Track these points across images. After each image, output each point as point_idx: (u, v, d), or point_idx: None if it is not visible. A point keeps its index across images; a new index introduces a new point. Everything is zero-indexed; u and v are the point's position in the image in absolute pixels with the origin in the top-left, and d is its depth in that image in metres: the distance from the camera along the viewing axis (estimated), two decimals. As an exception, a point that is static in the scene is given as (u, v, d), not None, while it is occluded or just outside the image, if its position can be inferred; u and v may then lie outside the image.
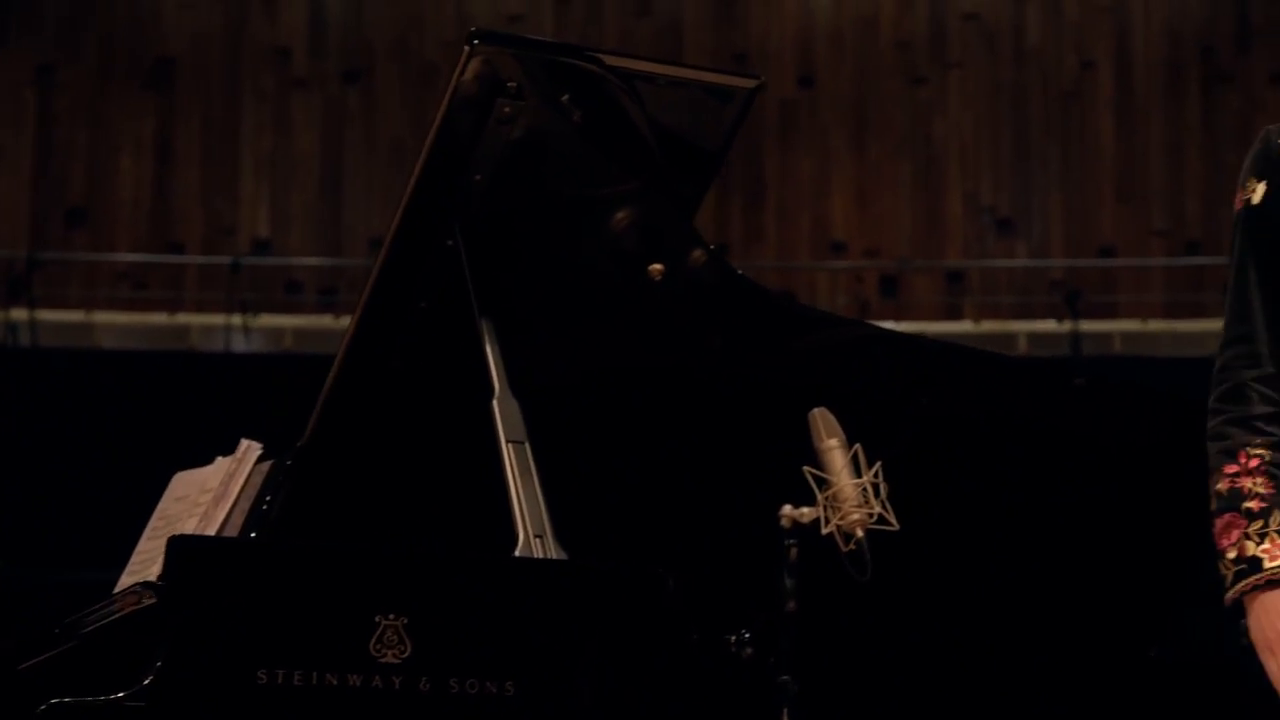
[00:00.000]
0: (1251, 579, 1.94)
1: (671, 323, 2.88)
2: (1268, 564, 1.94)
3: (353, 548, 2.36)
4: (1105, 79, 9.30)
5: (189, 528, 2.58)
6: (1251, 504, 1.96)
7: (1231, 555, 1.97)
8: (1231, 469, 1.99)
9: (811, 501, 2.59)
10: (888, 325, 8.80)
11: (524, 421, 2.55)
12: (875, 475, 2.60)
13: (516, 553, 2.42)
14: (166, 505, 2.75)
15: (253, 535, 2.48)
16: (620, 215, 2.88)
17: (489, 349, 2.61)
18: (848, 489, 2.60)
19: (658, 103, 2.83)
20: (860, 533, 2.56)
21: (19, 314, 8.58)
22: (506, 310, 2.75)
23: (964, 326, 9.05)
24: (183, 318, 9.20)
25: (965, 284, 9.29)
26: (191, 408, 6.96)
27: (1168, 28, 9.34)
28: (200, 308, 9.23)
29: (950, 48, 9.47)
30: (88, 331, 9.11)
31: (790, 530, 2.64)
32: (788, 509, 2.64)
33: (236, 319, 8.42)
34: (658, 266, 2.80)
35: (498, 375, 2.58)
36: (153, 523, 2.74)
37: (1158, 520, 3.02)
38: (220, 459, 2.70)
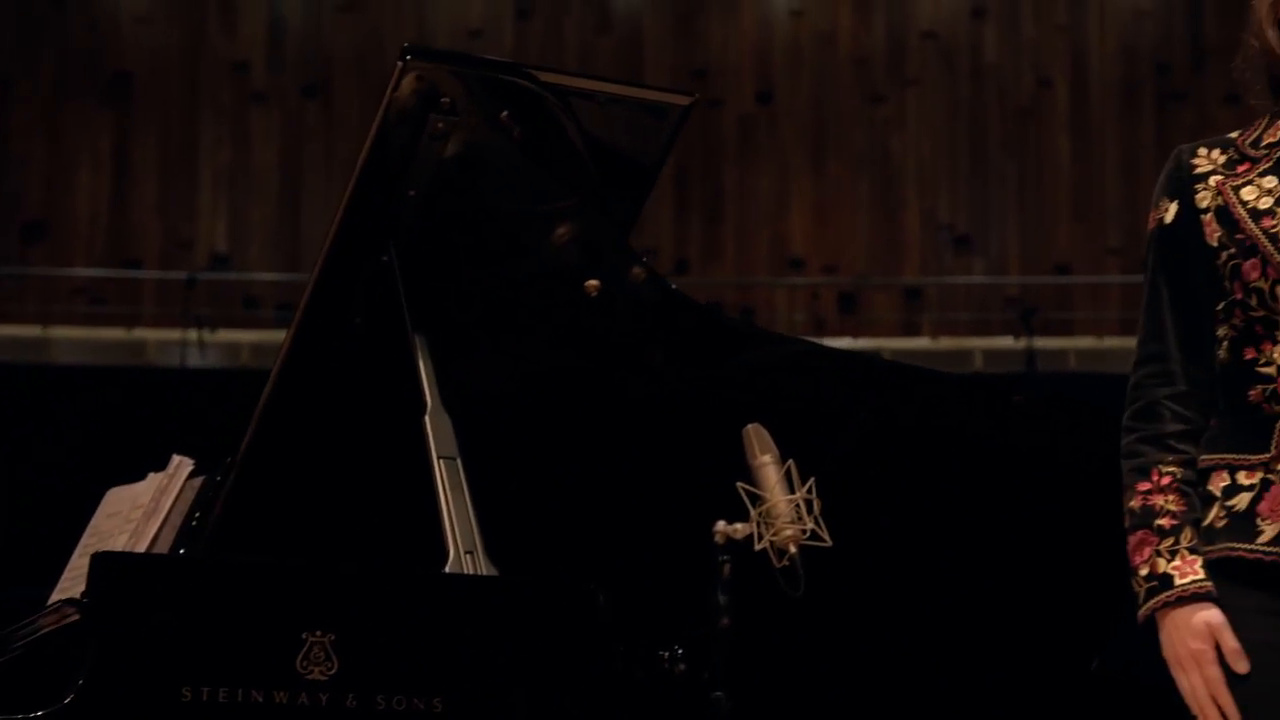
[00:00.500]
0: (1162, 596, 1.95)
1: (609, 338, 2.89)
2: (1178, 581, 1.95)
3: (279, 564, 2.35)
4: (1061, 97, 9.36)
5: (120, 544, 2.57)
6: (1163, 521, 1.98)
7: (1144, 573, 1.98)
8: (1144, 486, 2.01)
9: (746, 517, 2.61)
10: (845, 342, 8.94)
11: (456, 436, 2.55)
12: (809, 491, 2.62)
13: (447, 568, 2.42)
14: (99, 521, 2.74)
15: (181, 551, 2.47)
16: (559, 231, 2.90)
17: (422, 364, 2.62)
18: (781, 505, 2.61)
19: (595, 119, 2.84)
20: (793, 549, 2.58)
21: (-27, 329, 8.53)
22: (443, 325, 2.76)
23: (921, 343, 9.08)
24: (140, 333, 9.15)
25: (923, 301, 9.33)
26: (146, 423, 6.91)
27: (1123, 47, 9.40)
28: (157, 323, 9.18)
29: (908, 65, 9.52)
30: (44, 347, 9.06)
31: (724, 546, 2.65)
32: (722, 525, 2.65)
33: (192, 334, 8.39)
34: (594, 282, 2.81)
35: (430, 390, 2.59)
36: (85, 539, 2.73)
37: (1097, 534, 3.04)
38: (153, 475, 2.69)
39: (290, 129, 9.55)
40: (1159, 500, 1.99)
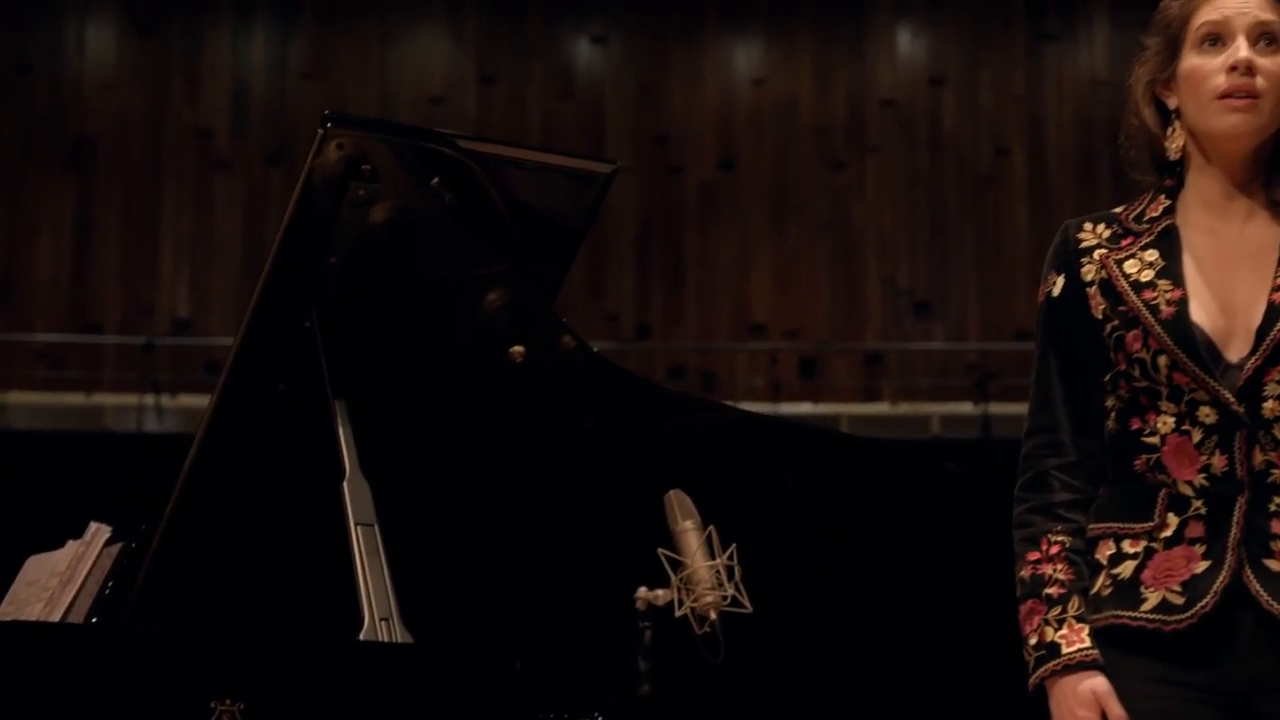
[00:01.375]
0: (1050, 664, 1.97)
1: (533, 404, 2.89)
2: (1065, 649, 1.96)
3: (188, 631, 2.33)
4: (1019, 166, 9.44)
5: (35, 612, 2.55)
6: (1052, 590, 2.00)
7: (1033, 641, 2.00)
8: (1034, 556, 2.03)
9: (669, 584, 2.60)
10: (806, 407, 8.95)
11: (376, 502, 2.54)
12: (730, 558, 2.62)
13: (361, 635, 2.41)
14: (17, 589, 2.73)
15: (94, 620, 2.45)
16: (488, 297, 2.90)
17: (341, 430, 2.61)
18: (702, 571, 2.60)
19: (522, 185, 2.86)
20: (714, 615, 2.57)
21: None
22: (369, 389, 2.76)
23: (881, 408, 9.10)
24: (99, 398, 9.12)
25: (883, 366, 9.36)
26: (101, 488, 6.88)
27: (1079, 117, 9.50)
28: (117, 388, 9.15)
29: (868, 133, 9.60)
30: (1, 412, 9.02)
31: (645, 612, 2.64)
32: (643, 591, 2.64)
33: (149, 399, 8.36)
34: (518, 349, 2.82)
35: (349, 456, 2.59)
36: (3, 607, 2.71)
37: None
38: (71, 542, 2.68)
39: (253, 196, 9.57)
40: (1048, 569, 2.01)
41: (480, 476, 2.89)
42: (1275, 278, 2.00)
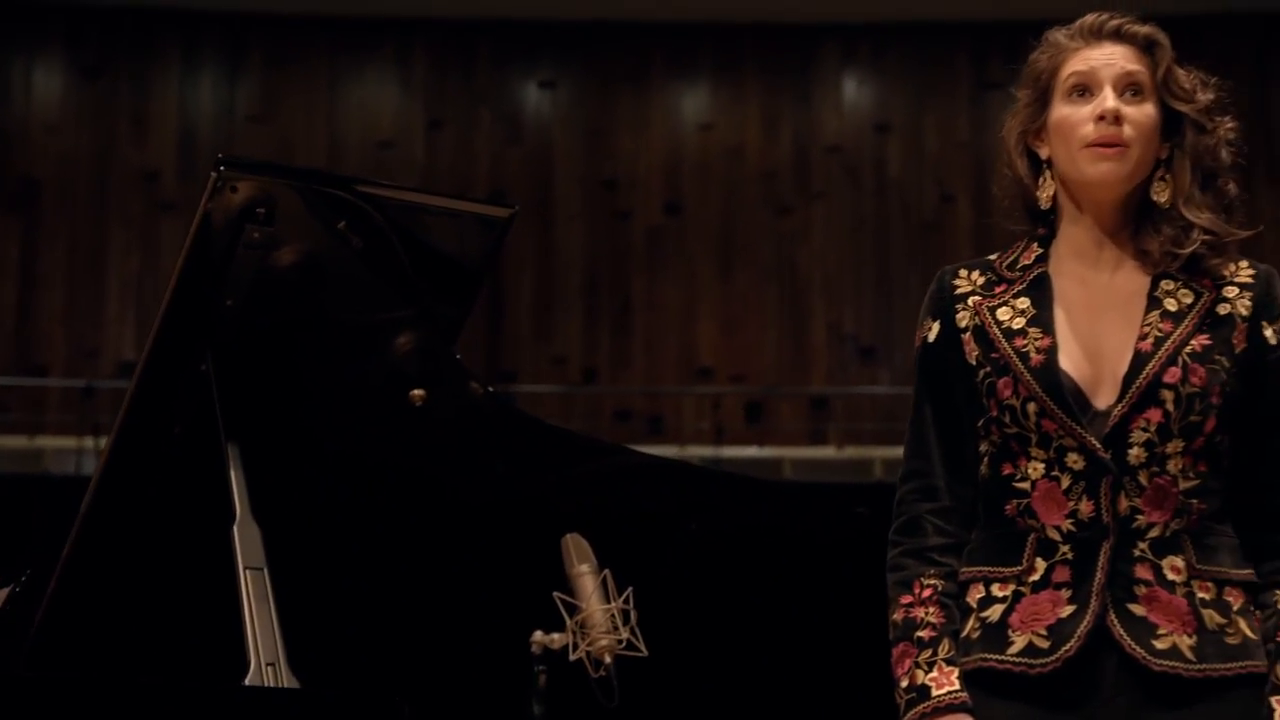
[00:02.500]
0: (919, 707, 1.98)
1: (439, 448, 2.89)
2: (935, 692, 1.97)
3: (68, 678, 2.31)
4: (964, 211, 9.51)
5: (-79, 657, 2.52)
6: (923, 633, 2.01)
7: (904, 684, 2.00)
8: (906, 599, 2.04)
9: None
10: (752, 450, 8.96)
11: (267, 546, 2.53)
12: (626, 601, 2.62)
13: (247, 681, 2.39)
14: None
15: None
16: (392, 341, 2.89)
17: (233, 473, 2.59)
18: (597, 615, 2.61)
19: (425, 228, 2.86)
20: (609, 658, 2.57)
21: None
22: (271, 433, 2.75)
23: (827, 452, 9.13)
24: (41, 440, 9.06)
25: (829, 411, 9.39)
26: (40, 531, 6.84)
27: (1020, 162, 9.55)
28: (60, 430, 9.10)
29: (814, 179, 9.67)
30: (-58, 454, 8.97)
31: (540, 656, 2.64)
32: (538, 635, 2.64)
33: (89, 441, 8.32)
34: (419, 392, 2.82)
35: (240, 500, 2.56)
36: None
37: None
38: (-39, 586, 2.65)
39: (200, 237, 9.54)
40: (920, 612, 2.02)
41: (382, 519, 2.88)
42: (1142, 326, 2.02)
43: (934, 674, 1.98)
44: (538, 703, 2.56)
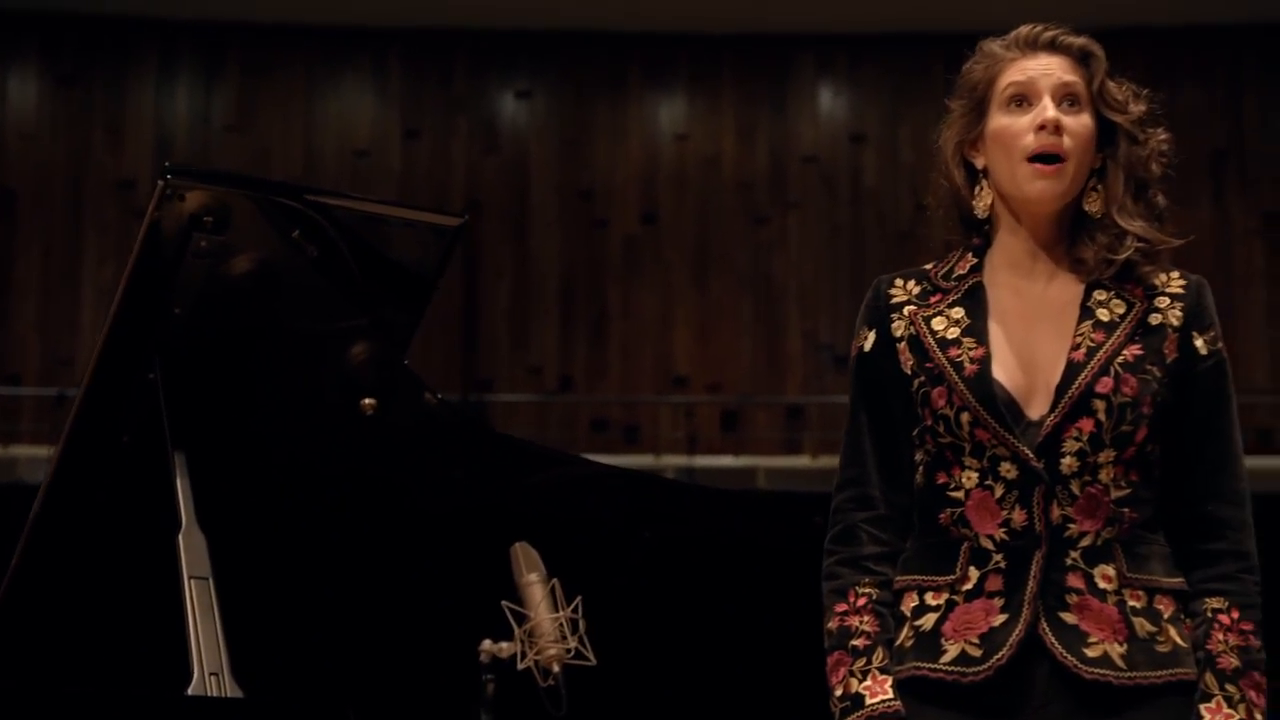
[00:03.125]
0: (853, 716, 1.98)
1: (393, 457, 2.88)
2: (869, 701, 1.98)
3: (9, 687, 2.31)
4: (940, 220, 9.52)
5: None
6: (857, 642, 2.01)
7: (838, 693, 2.01)
8: (841, 608, 2.04)
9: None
10: (728, 459, 8.96)
11: (211, 556, 2.52)
12: (575, 610, 2.61)
13: (189, 690, 2.39)
14: None
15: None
16: (345, 350, 2.89)
17: (179, 482, 2.59)
18: (545, 624, 2.60)
19: (377, 237, 2.86)
20: (557, 667, 2.56)
21: None
22: (223, 441, 2.74)
23: (802, 461, 9.14)
24: (15, 449, 9.04)
25: (804, 419, 9.40)
26: (12, 540, 6.80)
27: (994, 172, 9.58)
28: (35, 439, 9.08)
29: (790, 188, 9.69)
30: (-85, 463, 8.94)
31: (489, 665, 2.63)
32: (487, 644, 2.63)
33: (61, 451, 8.27)
34: (369, 401, 2.81)
35: (185, 509, 2.56)
36: None
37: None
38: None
39: (175, 246, 9.54)
40: (854, 621, 2.02)
41: (333, 527, 2.87)
42: (1075, 336, 2.02)
43: (868, 682, 1.98)
44: (486, 712, 2.55)
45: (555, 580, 2.63)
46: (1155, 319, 2.03)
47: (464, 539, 2.88)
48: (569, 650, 2.60)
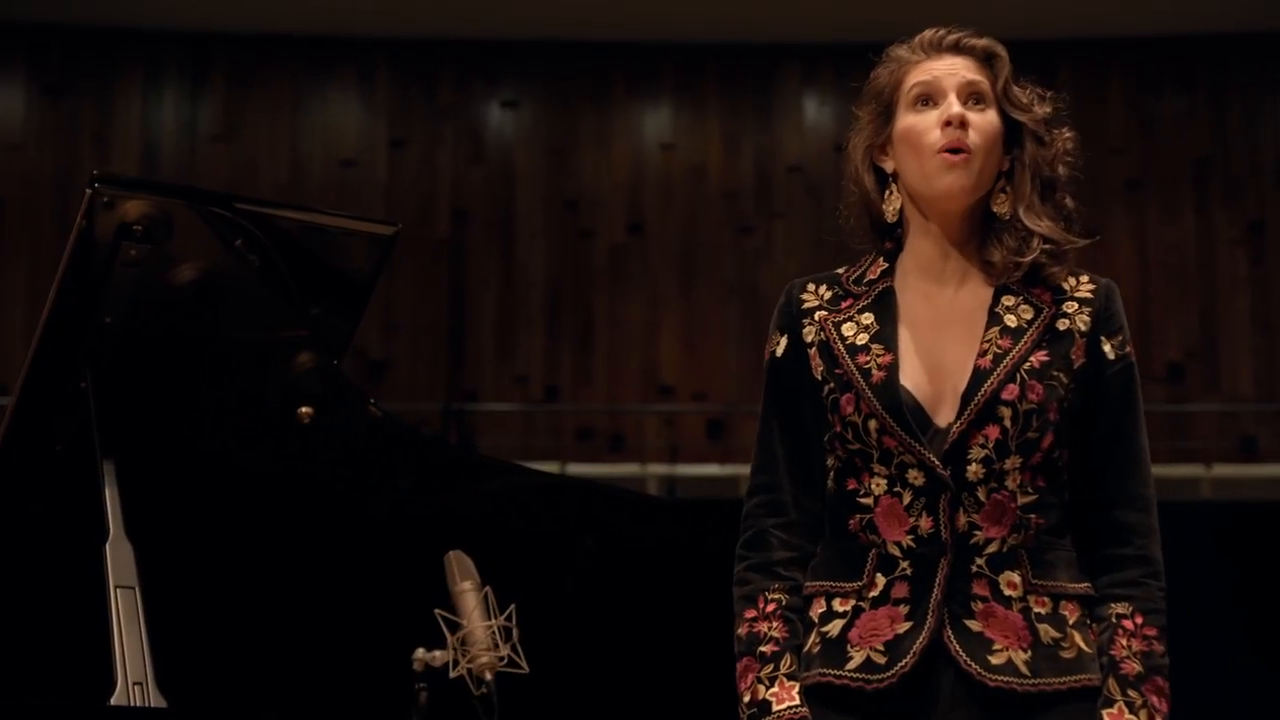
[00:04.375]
0: None
1: (332, 466, 2.89)
2: (776, 707, 1.97)
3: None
4: (920, 229, 9.53)
5: None
6: (765, 648, 2.01)
7: (746, 699, 2.00)
8: (750, 614, 2.04)
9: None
10: (714, 468, 8.95)
11: (137, 565, 2.52)
12: (508, 618, 2.61)
13: (112, 700, 2.38)
14: None
15: None
16: (281, 357, 2.89)
17: (108, 491, 2.60)
18: (478, 632, 2.60)
19: (314, 244, 2.86)
20: (489, 675, 2.56)
21: None
22: (151, 450, 2.74)
23: (786, 471, 9.11)
24: (0, 460, 9.04)
25: (790, 429, 9.38)
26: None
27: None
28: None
29: (775, 198, 9.68)
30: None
31: (422, 673, 2.63)
32: (420, 652, 2.63)
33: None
34: (306, 409, 2.82)
35: (114, 518, 2.57)
36: None
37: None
38: None
39: (162, 256, 9.54)
40: (763, 627, 2.02)
41: (268, 536, 2.88)
42: (982, 343, 2.01)
43: (775, 689, 1.98)
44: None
45: (488, 588, 2.62)
46: (1063, 324, 2.02)
47: (404, 547, 2.89)
48: (501, 658, 2.60)
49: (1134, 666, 1.94)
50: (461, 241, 9.63)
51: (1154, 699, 1.94)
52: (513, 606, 2.61)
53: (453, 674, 2.56)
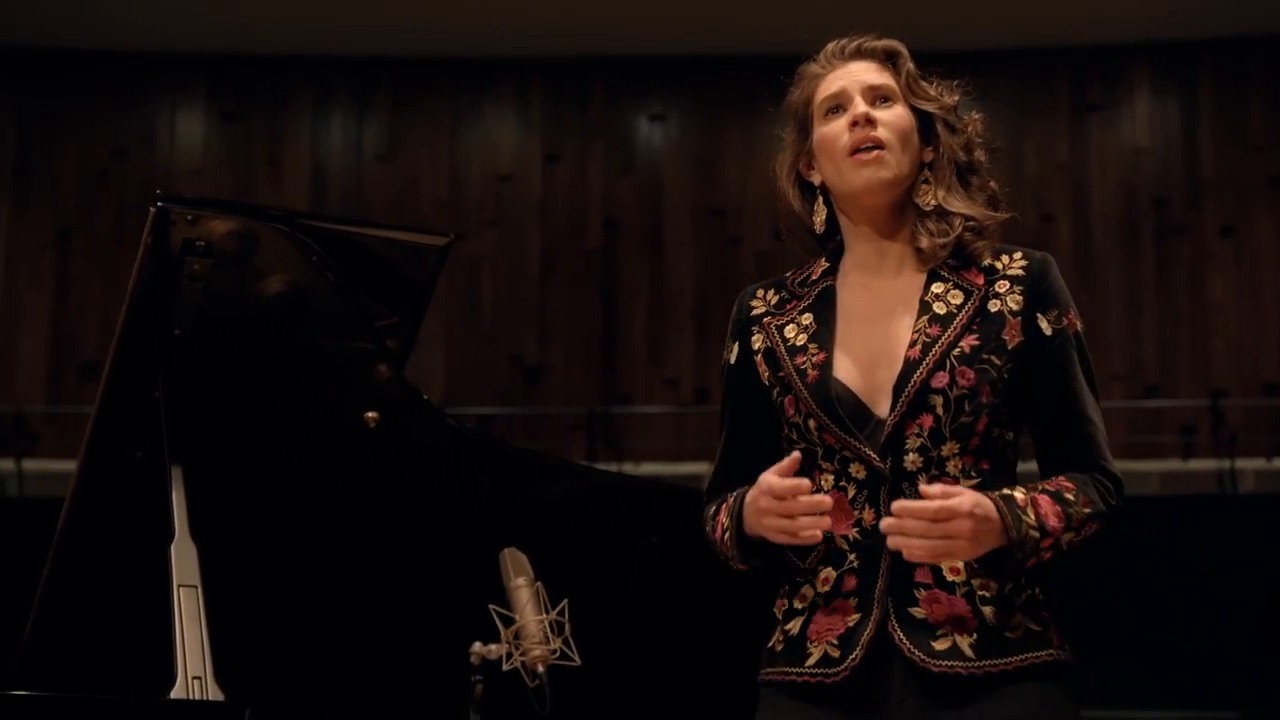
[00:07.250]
0: (736, 516, 2.09)
1: (389, 467, 2.96)
2: (735, 502, 2.11)
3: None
4: (1064, 231, 9.42)
5: None
6: (728, 502, 2.13)
7: (724, 523, 2.12)
8: (713, 510, 2.14)
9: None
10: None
11: (199, 566, 2.61)
12: (561, 613, 2.68)
13: (172, 694, 2.46)
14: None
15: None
16: (354, 367, 2.98)
17: (175, 494, 2.68)
18: (531, 626, 2.65)
19: (376, 256, 2.97)
20: (542, 668, 2.60)
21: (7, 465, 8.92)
22: (223, 455, 2.85)
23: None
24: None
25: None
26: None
27: (1122, 183, 9.46)
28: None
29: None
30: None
31: (479, 666, 2.72)
32: (477, 645, 2.68)
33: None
34: (373, 415, 2.88)
35: (180, 520, 2.66)
36: None
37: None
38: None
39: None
40: (724, 503, 2.11)
41: (333, 536, 2.95)
42: (912, 332, 2.03)
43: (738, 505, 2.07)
44: (475, 712, 2.61)
45: (540, 584, 2.69)
46: (994, 305, 2.04)
47: (470, 548, 2.91)
48: (554, 651, 2.67)
49: (1059, 489, 1.98)
50: (613, 251, 9.83)
51: (1054, 508, 1.95)
52: (565, 601, 2.68)
53: (505, 666, 2.55)
